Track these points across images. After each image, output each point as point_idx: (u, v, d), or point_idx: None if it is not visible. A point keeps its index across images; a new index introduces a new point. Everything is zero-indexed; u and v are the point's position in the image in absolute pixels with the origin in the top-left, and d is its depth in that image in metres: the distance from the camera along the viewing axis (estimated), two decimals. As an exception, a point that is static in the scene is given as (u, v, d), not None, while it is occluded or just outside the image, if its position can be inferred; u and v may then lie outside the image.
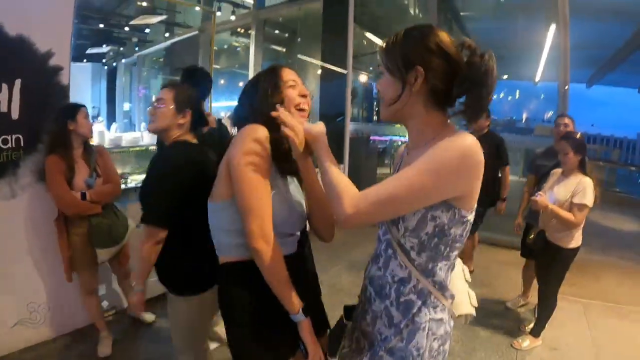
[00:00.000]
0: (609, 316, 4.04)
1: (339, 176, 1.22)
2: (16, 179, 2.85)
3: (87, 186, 2.83)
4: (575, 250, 3.21)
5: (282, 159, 1.48)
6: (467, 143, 1.12)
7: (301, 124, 1.39)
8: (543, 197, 3.07)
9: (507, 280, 4.67)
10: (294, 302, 1.41)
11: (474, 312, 1.41)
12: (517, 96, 20.16)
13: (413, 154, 1.25)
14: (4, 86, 2.72)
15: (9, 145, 2.79)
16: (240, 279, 1.49)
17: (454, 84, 1.18)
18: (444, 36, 1.19)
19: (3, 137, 2.75)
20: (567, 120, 3.86)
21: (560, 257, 3.21)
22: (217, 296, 1.57)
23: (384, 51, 1.25)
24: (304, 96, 1.54)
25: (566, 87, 5.52)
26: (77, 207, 2.79)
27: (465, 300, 1.37)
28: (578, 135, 3.18)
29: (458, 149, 1.11)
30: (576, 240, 3.19)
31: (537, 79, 10.36)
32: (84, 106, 2.91)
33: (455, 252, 1.27)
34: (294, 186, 1.58)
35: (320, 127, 1.36)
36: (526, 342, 3.39)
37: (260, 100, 1.50)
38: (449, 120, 1.26)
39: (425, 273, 1.25)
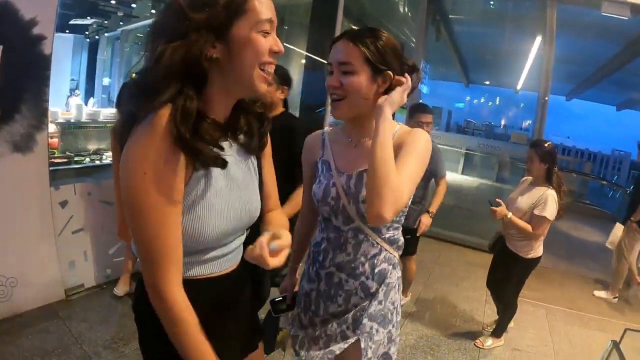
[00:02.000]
0: (570, 322, 4.19)
1: (392, 167, 1.22)
2: (-11, 148, 2.76)
3: None
4: (535, 261, 3.19)
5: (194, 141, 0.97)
6: (427, 135, 1.39)
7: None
8: (502, 207, 3.07)
9: (474, 280, 4.75)
10: None
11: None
12: (497, 102, 20.39)
13: (363, 149, 1.42)
14: (-17, 52, 2.62)
15: (-15, 113, 2.70)
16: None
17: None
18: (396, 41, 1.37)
19: (-21, 104, 2.66)
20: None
21: (518, 266, 3.21)
22: None
23: (359, 51, 1.30)
24: (276, 53, 1.06)
25: (546, 98, 5.62)
26: None
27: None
28: (547, 144, 3.11)
29: (427, 142, 1.36)
30: (536, 251, 3.16)
31: (519, 87, 10.52)
32: None
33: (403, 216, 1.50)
34: (241, 173, 1.17)
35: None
36: (488, 341, 3.47)
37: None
38: None
39: (391, 242, 1.48)
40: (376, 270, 1.45)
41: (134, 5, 12.18)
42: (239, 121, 1.16)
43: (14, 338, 2.83)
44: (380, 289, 1.45)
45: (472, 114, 19.85)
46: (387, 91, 1.34)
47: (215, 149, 1.02)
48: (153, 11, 11.90)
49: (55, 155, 4.38)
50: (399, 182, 1.21)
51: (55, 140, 4.50)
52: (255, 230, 1.26)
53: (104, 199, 3.58)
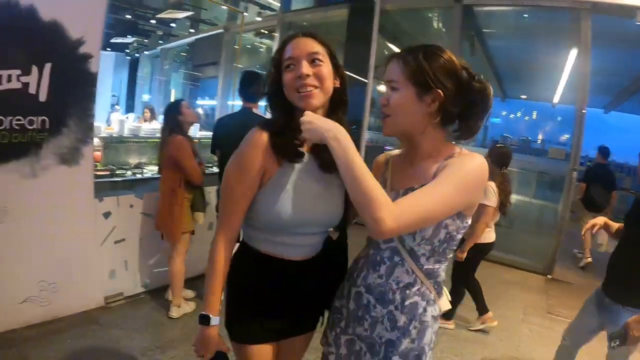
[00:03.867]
0: (595, 339, 3.99)
1: (371, 179, 1.15)
2: (38, 159, 2.91)
3: (199, 162, 3.41)
4: (487, 246, 3.61)
5: (287, 152, 1.37)
6: (483, 162, 1.25)
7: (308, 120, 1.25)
8: None
9: (510, 299, 4.66)
10: (208, 303, 1.41)
11: (450, 307, 1.49)
12: (534, 116, 20.01)
13: (420, 166, 1.35)
14: (34, 68, 2.78)
15: (34, 126, 2.85)
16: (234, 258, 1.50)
17: (461, 106, 1.29)
18: (456, 60, 1.29)
19: (29, 117, 2.82)
20: None
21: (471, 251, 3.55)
22: None
23: (404, 68, 1.28)
24: (302, 76, 1.32)
25: (583, 111, 5.51)
26: (200, 177, 3.38)
27: (444, 296, 1.45)
28: (499, 146, 3.81)
29: (479, 168, 1.24)
30: (485, 237, 3.60)
31: (555, 100, 10.32)
32: (182, 100, 3.59)
33: (451, 254, 1.39)
34: (323, 183, 1.44)
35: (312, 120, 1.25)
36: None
37: (267, 99, 1.47)
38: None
39: (430, 276, 1.35)
40: (406, 303, 1.33)
41: (173, 25, 12.59)
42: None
43: (52, 341, 2.94)
44: (412, 326, 1.33)
45: (508, 129, 19.54)
46: (440, 111, 1.27)
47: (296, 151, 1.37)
48: (192, 30, 12.28)
49: (98, 168, 4.54)
50: (390, 202, 1.13)
51: (99, 153, 4.67)
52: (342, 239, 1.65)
53: (145, 211, 3.71)
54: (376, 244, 1.41)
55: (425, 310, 1.34)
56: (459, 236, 1.33)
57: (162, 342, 3.09)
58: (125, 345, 3.01)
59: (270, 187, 1.37)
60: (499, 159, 3.64)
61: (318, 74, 1.33)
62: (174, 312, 3.43)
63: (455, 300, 3.68)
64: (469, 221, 1.32)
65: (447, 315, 3.76)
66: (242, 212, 1.40)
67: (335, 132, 1.19)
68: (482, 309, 3.87)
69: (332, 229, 1.60)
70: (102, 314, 3.37)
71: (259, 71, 3.90)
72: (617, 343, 2.09)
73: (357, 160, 1.16)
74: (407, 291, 1.33)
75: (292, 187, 1.38)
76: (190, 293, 3.78)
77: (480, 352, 3.51)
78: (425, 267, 1.33)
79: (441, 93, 1.25)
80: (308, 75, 1.32)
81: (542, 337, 3.86)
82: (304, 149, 1.40)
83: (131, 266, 3.69)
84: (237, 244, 1.52)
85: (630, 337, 2.02)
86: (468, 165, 1.23)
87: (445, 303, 1.43)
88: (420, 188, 1.20)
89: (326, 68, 1.36)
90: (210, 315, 1.40)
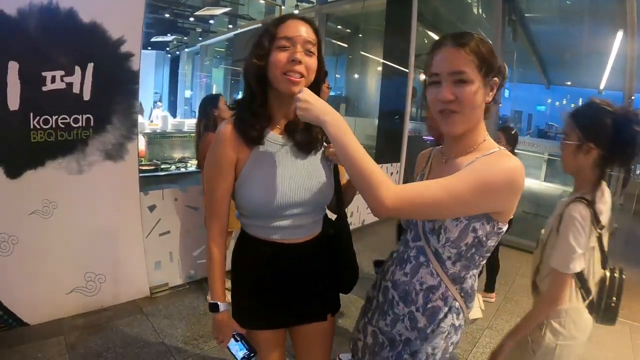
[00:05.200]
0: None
1: (369, 161, 1.11)
2: (84, 156, 3.03)
3: None
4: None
5: (247, 137, 1.38)
6: (516, 167, 1.13)
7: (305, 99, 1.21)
8: None
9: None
10: (212, 291, 1.51)
11: (482, 316, 1.44)
12: (580, 104, 19.25)
13: (456, 162, 1.27)
14: (77, 69, 2.89)
15: (80, 124, 2.97)
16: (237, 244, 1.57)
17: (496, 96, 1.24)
18: None
19: (74, 116, 2.94)
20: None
21: None
22: None
23: (472, 57, 1.16)
24: (296, 61, 1.30)
25: (632, 97, 5.27)
26: None
27: (476, 305, 1.39)
28: (513, 131, 3.89)
29: (507, 172, 1.12)
30: None
31: (602, 87, 9.92)
32: (221, 95, 3.57)
33: (484, 261, 1.31)
34: (303, 163, 1.44)
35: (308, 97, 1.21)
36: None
37: (245, 65, 1.40)
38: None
39: (456, 281, 1.29)
40: (429, 306, 1.29)
41: (211, 22, 12.77)
42: (299, 123, 1.41)
43: (99, 329, 3.07)
44: (430, 329, 1.30)
45: (553, 117, 18.91)
46: (493, 99, 1.23)
47: (256, 133, 1.37)
48: (230, 26, 12.43)
49: (143, 163, 4.67)
50: (390, 183, 1.10)
51: (143, 148, 4.80)
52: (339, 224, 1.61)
53: (190, 204, 3.79)
54: (405, 241, 1.39)
55: (445, 316, 1.29)
56: (491, 243, 1.24)
57: (205, 331, 3.17)
58: (170, 334, 3.10)
59: (244, 175, 1.39)
60: (510, 139, 3.81)
61: (308, 65, 1.32)
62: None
63: (493, 273, 4.08)
64: (503, 228, 1.22)
65: (489, 288, 4.10)
66: (224, 202, 1.44)
67: (333, 117, 1.16)
68: (489, 287, 4.12)
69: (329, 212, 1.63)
70: (148, 304, 3.49)
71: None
72: None
73: (354, 144, 1.13)
74: (430, 295, 1.29)
75: (267, 171, 1.39)
76: (230, 284, 3.83)
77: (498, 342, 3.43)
78: (450, 271, 1.27)
79: (497, 81, 1.21)
80: (301, 63, 1.30)
81: (588, 333, 3.73)
82: (277, 131, 1.43)
83: (176, 258, 3.80)
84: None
85: None
86: (496, 166, 1.14)
87: (475, 311, 1.38)
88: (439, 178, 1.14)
89: (314, 60, 1.35)
90: (218, 302, 1.47)
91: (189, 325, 3.25)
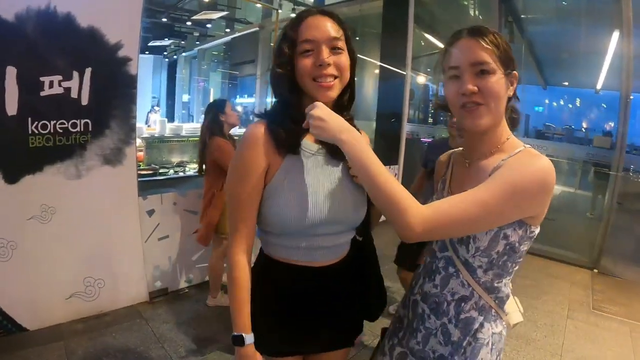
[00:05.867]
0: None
1: (394, 183, 1.06)
2: (82, 160, 3.03)
3: None
4: None
5: (287, 142, 1.23)
6: (546, 166, 1.07)
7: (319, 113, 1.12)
8: None
9: (556, 294, 4.55)
10: (237, 322, 1.25)
11: (522, 319, 1.33)
12: (577, 104, 19.34)
13: (481, 166, 1.21)
14: (75, 74, 2.89)
15: (78, 129, 2.97)
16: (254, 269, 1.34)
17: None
18: None
19: (72, 121, 2.93)
20: None
21: None
22: None
23: (492, 49, 1.12)
24: (324, 64, 1.18)
25: (630, 97, 5.28)
26: None
27: (515, 309, 1.31)
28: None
29: (538, 174, 1.06)
30: None
31: (599, 87, 9.94)
32: (228, 100, 3.55)
33: (517, 267, 1.23)
34: (340, 174, 1.31)
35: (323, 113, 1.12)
36: None
37: (271, 74, 1.28)
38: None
39: (489, 290, 1.21)
40: (461, 317, 1.20)
41: (209, 26, 12.79)
42: None
43: (98, 335, 3.06)
44: (466, 342, 1.20)
45: (551, 118, 18.94)
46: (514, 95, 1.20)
47: (294, 139, 1.23)
48: (227, 30, 12.45)
49: (141, 167, 4.67)
50: (417, 206, 1.05)
51: (141, 153, 4.80)
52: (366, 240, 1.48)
53: (189, 208, 3.80)
54: (432, 252, 1.31)
55: (482, 325, 1.20)
56: (524, 248, 1.17)
57: (205, 335, 3.16)
58: (170, 339, 3.09)
59: (275, 185, 1.23)
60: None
61: (338, 63, 1.19)
62: (209, 302, 3.59)
63: None
64: (535, 231, 1.16)
65: None
66: (252, 218, 1.26)
67: (350, 134, 1.09)
68: None
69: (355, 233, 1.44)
70: (147, 308, 3.48)
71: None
72: None
73: (376, 165, 1.06)
74: (463, 304, 1.21)
75: (300, 182, 1.23)
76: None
77: (524, 348, 3.43)
78: (482, 280, 1.19)
79: (517, 74, 1.16)
80: (329, 65, 1.17)
81: (587, 334, 3.74)
82: (310, 139, 1.28)
83: (175, 262, 3.79)
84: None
85: None
86: (525, 168, 1.07)
87: (515, 316, 1.29)
88: (466, 192, 1.08)
89: (345, 57, 1.22)
90: (243, 334, 1.24)
91: (189, 330, 3.23)
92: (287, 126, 1.22)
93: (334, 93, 1.21)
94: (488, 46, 1.11)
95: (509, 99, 1.19)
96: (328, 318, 1.36)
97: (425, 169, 3.43)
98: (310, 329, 1.35)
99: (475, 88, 1.11)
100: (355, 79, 1.31)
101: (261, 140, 1.20)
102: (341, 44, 1.21)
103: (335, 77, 1.19)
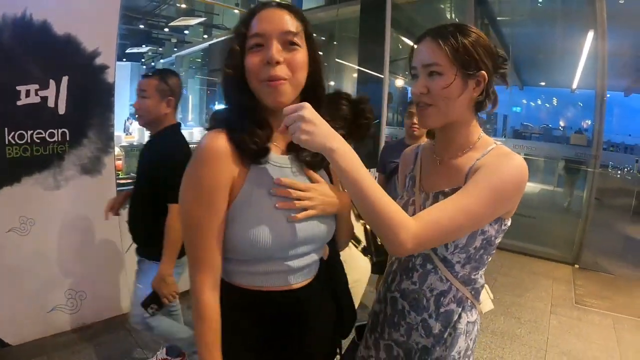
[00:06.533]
0: (639, 332, 3.94)
1: (386, 199, 1.02)
2: (61, 171, 2.98)
3: None
4: None
5: (256, 151, 1.05)
6: (520, 165, 1.11)
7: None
8: None
9: (538, 291, 4.62)
10: None
11: (493, 306, 1.39)
12: (554, 103, 19.66)
13: (455, 164, 1.22)
14: (52, 82, 2.84)
15: (55, 138, 2.92)
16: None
17: (491, 90, 1.20)
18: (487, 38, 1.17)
19: (49, 130, 2.88)
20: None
21: None
22: None
23: (446, 49, 1.11)
24: (272, 61, 1.00)
25: (606, 96, 5.38)
26: None
27: (486, 297, 1.35)
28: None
29: (514, 174, 1.10)
30: None
31: (574, 86, 10.12)
32: None
33: (490, 258, 1.26)
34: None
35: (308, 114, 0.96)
36: None
37: (221, 77, 1.11)
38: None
39: (466, 282, 1.24)
40: (441, 310, 1.23)
41: (186, 32, 12.73)
42: None
43: (82, 347, 3.01)
44: (447, 333, 1.23)
45: (528, 118, 19.22)
46: (482, 95, 1.18)
47: (259, 145, 1.05)
48: (205, 36, 12.40)
49: (121, 176, 4.60)
50: (408, 221, 1.02)
51: (120, 162, 4.74)
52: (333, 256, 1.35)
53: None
54: None
55: (460, 316, 1.23)
56: (498, 240, 1.20)
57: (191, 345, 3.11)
58: (154, 349, 3.02)
59: (239, 205, 1.05)
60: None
61: (290, 62, 1.03)
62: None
63: None
64: (508, 223, 1.20)
65: None
66: (218, 243, 1.05)
67: (340, 144, 0.99)
68: None
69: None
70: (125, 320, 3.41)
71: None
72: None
73: (367, 179, 1.00)
74: (442, 298, 1.23)
75: (269, 200, 1.07)
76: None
77: (509, 345, 3.47)
78: (460, 274, 1.22)
79: (485, 74, 1.14)
80: (278, 63, 1.00)
81: (571, 328, 3.81)
82: (277, 151, 1.13)
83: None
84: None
85: None
86: (505, 169, 1.09)
87: (486, 304, 1.34)
88: (448, 198, 1.09)
89: (302, 55, 1.05)
90: None
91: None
92: (250, 131, 1.05)
93: (284, 98, 1.03)
94: (443, 47, 1.11)
95: (485, 96, 1.19)
96: (310, 341, 1.21)
97: (384, 174, 3.35)
98: (291, 357, 1.20)
99: (424, 89, 1.14)
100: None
101: (224, 154, 1.02)
102: (297, 39, 1.04)
103: (286, 79, 1.02)
